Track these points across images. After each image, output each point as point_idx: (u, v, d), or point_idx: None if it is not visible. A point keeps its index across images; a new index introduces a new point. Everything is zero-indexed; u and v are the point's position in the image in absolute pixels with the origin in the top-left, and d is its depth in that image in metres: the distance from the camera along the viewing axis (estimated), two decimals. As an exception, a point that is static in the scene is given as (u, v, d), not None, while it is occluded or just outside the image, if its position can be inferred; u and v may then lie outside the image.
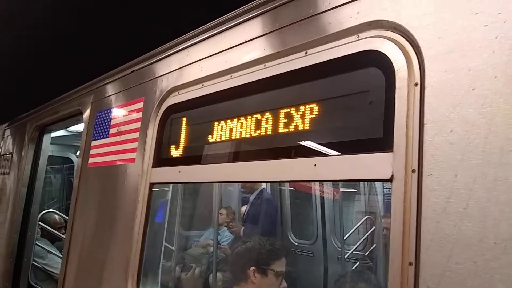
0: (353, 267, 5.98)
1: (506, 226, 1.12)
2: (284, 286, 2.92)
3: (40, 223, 5.34)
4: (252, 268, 2.78)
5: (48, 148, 5.10)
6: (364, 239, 6.39)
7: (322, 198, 6.79)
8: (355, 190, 6.95)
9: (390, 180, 1.44)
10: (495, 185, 1.16)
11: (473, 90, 1.25)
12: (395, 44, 1.52)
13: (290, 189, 7.04)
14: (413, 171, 1.37)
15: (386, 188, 6.09)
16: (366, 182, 6.34)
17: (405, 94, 1.45)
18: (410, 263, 1.33)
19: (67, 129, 5.89)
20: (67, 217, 5.18)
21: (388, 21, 1.56)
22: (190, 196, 5.84)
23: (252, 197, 5.83)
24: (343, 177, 1.68)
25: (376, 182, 6.07)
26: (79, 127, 5.12)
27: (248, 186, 5.91)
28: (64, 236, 5.22)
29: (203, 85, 2.45)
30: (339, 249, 6.39)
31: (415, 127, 1.39)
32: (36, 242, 5.15)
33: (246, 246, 2.95)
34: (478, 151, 1.20)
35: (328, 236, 6.72)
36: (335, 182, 6.07)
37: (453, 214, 1.23)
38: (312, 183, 6.59)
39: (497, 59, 1.21)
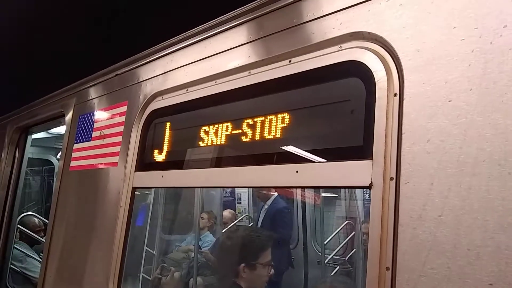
0: (333, 272, 6.03)
1: (478, 233, 1.16)
2: (272, 272, 3.01)
3: (19, 226, 5.25)
4: (242, 265, 2.85)
5: (28, 150, 5.02)
6: (344, 244, 6.45)
7: (303, 203, 6.84)
8: (336, 196, 7.01)
9: (369, 187, 1.47)
10: (468, 193, 1.20)
11: (449, 101, 1.29)
12: (375, 55, 1.56)
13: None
14: (391, 178, 1.41)
15: (367, 193, 6.17)
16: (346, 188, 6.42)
17: (384, 104, 1.48)
18: (387, 268, 1.36)
19: (48, 131, 5.83)
20: (46, 220, 5.12)
21: (369, 33, 1.60)
22: (172, 200, 5.82)
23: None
24: (324, 183, 1.72)
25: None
26: (61, 129, 5.06)
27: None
28: (43, 240, 5.15)
29: (187, 90, 2.47)
30: (319, 253, 6.44)
31: (394, 136, 1.43)
32: (15, 246, 5.06)
33: (232, 242, 2.98)
34: (453, 160, 1.25)
35: (309, 240, 6.77)
36: (316, 188, 6.13)
37: (429, 221, 1.26)
38: (294, 189, 6.64)
39: (472, 72, 1.26)
